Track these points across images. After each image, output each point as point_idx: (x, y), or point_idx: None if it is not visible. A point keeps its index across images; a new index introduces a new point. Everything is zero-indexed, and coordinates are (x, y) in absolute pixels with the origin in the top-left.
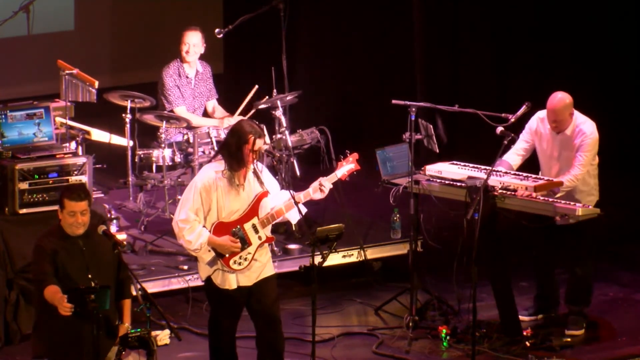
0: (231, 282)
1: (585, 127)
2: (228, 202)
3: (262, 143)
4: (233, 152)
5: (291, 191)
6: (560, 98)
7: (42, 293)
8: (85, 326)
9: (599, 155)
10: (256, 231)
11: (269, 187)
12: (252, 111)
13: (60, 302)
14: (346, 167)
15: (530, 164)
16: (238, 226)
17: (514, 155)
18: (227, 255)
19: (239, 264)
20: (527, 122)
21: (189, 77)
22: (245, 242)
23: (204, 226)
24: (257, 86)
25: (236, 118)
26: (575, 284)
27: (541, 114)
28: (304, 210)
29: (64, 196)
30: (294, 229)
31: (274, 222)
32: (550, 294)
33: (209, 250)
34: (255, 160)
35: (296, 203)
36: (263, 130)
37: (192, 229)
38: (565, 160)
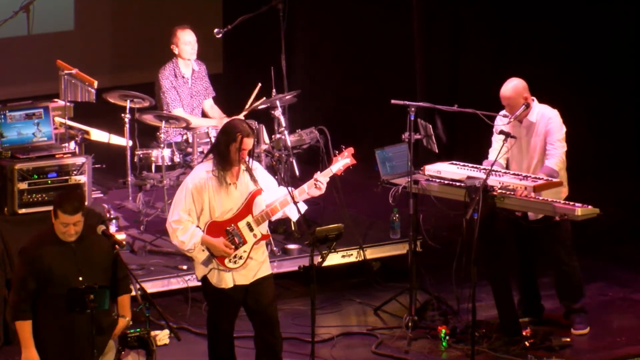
0: (227, 281)
1: (547, 112)
2: (220, 201)
3: (252, 143)
4: (222, 151)
5: (290, 189)
6: (511, 82)
7: (13, 321)
8: (75, 325)
9: (596, 153)
10: (251, 229)
11: (263, 184)
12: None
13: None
14: (341, 161)
15: None
16: (232, 225)
17: (501, 157)
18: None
19: (235, 262)
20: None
21: (185, 77)
22: (240, 241)
23: (197, 226)
24: (260, 84)
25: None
26: (565, 281)
27: (501, 113)
28: (303, 208)
29: (57, 206)
30: (293, 229)
31: (269, 220)
32: (532, 298)
33: (203, 250)
34: (248, 159)
35: (295, 202)
36: (255, 130)
37: (185, 229)
38: (533, 147)
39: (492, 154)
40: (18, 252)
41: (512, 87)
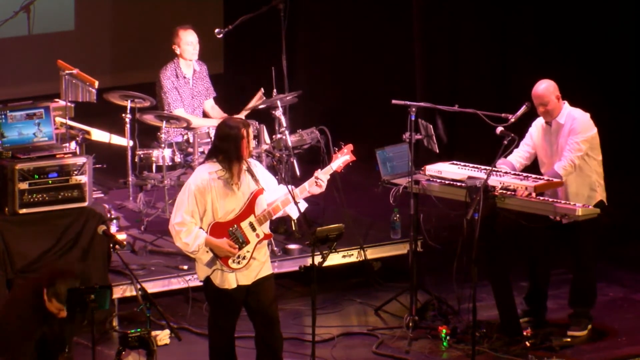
0: (230, 281)
1: (575, 113)
2: (223, 202)
3: (251, 129)
4: (233, 153)
5: (290, 187)
6: (543, 81)
7: None
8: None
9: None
10: (253, 229)
11: (264, 183)
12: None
13: None
14: (341, 158)
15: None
16: (235, 225)
17: (516, 159)
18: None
19: (238, 262)
20: (526, 124)
21: (187, 77)
22: (243, 241)
23: (200, 227)
24: (262, 90)
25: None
26: (579, 286)
27: (539, 118)
28: (303, 206)
29: (53, 296)
30: (294, 228)
31: (271, 219)
32: (540, 297)
33: (207, 252)
34: (249, 158)
35: (295, 202)
36: (247, 121)
37: (188, 231)
38: (561, 148)
39: (514, 156)
40: (12, 318)
41: (544, 86)
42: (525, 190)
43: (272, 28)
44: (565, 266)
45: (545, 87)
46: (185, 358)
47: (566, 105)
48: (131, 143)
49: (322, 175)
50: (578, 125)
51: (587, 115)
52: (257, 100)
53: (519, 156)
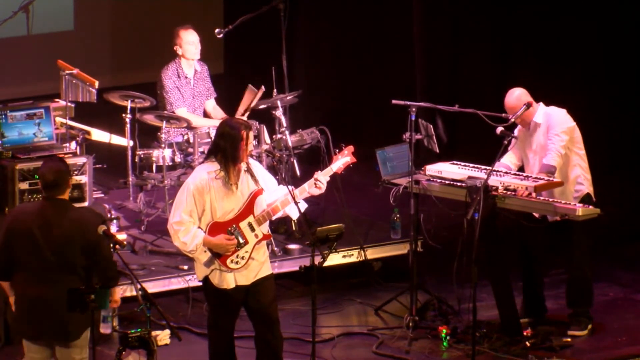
0: (229, 281)
1: (551, 110)
2: (222, 202)
3: (252, 133)
4: (230, 153)
5: (290, 187)
6: (512, 91)
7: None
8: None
9: (596, 154)
10: (252, 229)
11: (263, 184)
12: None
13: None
14: (342, 160)
15: None
16: (234, 225)
17: (510, 161)
18: (224, 255)
19: (236, 262)
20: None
21: (188, 77)
22: (241, 241)
23: (199, 227)
24: (263, 87)
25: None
26: (575, 286)
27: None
28: (303, 207)
29: None
30: (294, 229)
31: (270, 219)
32: (536, 299)
33: (205, 251)
34: (248, 158)
35: (295, 202)
36: (250, 124)
37: (186, 230)
38: (543, 146)
39: (507, 158)
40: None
41: (515, 97)
42: (525, 190)
43: (272, 28)
44: (565, 266)
45: (515, 98)
46: (185, 358)
47: (541, 105)
48: (131, 143)
49: (322, 177)
50: (554, 120)
51: (563, 110)
52: (248, 96)
53: (512, 156)
